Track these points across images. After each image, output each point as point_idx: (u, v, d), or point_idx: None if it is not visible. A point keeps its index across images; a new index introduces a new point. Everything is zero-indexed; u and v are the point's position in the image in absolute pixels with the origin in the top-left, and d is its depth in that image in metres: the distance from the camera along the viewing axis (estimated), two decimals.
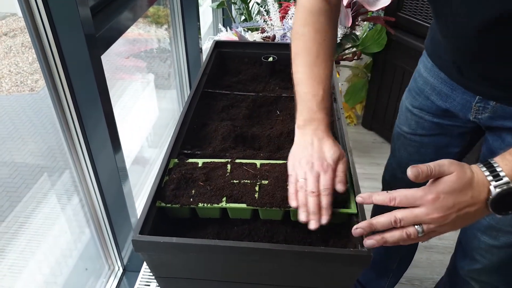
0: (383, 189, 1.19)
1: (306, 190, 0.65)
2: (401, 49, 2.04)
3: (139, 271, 1.16)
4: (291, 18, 1.75)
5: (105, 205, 1.11)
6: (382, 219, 0.57)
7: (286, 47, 1.22)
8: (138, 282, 1.12)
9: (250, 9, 2.12)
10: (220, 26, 1.93)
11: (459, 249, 1.09)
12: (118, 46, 1.67)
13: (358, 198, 0.62)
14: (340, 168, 0.68)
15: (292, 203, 0.66)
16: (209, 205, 0.67)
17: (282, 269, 0.64)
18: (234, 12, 2.32)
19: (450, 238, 1.79)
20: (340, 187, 0.66)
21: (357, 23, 1.90)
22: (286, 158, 0.78)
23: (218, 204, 0.68)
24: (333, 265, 0.61)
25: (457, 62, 0.84)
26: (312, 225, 0.63)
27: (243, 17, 2.18)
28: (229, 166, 0.75)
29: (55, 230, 1.23)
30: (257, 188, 0.69)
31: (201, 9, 1.96)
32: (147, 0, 1.22)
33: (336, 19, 0.83)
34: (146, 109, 1.88)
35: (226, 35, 1.78)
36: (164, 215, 0.70)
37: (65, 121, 0.95)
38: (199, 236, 0.67)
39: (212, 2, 2.17)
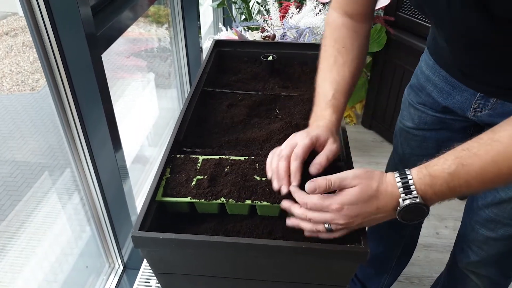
0: None
1: (278, 156, 0.66)
2: (400, 48, 2.04)
3: (139, 269, 1.17)
4: (291, 18, 1.75)
5: (105, 203, 1.12)
6: (297, 211, 0.62)
7: (286, 46, 1.23)
8: (138, 279, 1.13)
9: (250, 8, 2.12)
10: (221, 25, 1.94)
11: (458, 242, 1.10)
12: (119, 46, 1.68)
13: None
14: (324, 152, 0.66)
15: (268, 173, 0.67)
16: (207, 200, 0.68)
17: (280, 265, 0.64)
18: (234, 12, 2.33)
19: (449, 237, 1.79)
20: (312, 169, 0.65)
21: None
22: None
23: (216, 199, 0.68)
24: (330, 261, 0.61)
25: (457, 66, 0.86)
26: (283, 190, 0.64)
27: (243, 17, 2.19)
28: (228, 163, 0.75)
29: (56, 228, 1.24)
30: (255, 185, 0.70)
31: (201, 9, 1.97)
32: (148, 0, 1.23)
33: (363, 31, 0.85)
34: (147, 108, 1.89)
35: (226, 34, 1.79)
36: (164, 210, 0.71)
37: (66, 120, 0.96)
38: (198, 232, 0.68)
39: (213, 2, 2.17)
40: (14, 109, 1.35)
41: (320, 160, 0.65)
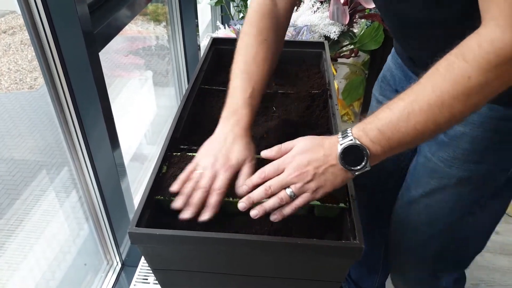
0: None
1: (198, 183, 0.65)
2: None
3: (137, 266, 1.17)
4: None
5: (103, 201, 1.12)
6: (256, 192, 0.63)
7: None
8: (136, 276, 1.13)
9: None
10: (219, 23, 1.94)
11: None
12: (117, 44, 1.68)
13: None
14: (244, 171, 0.67)
15: (174, 187, 0.67)
16: None
17: (276, 261, 0.65)
18: (232, 10, 2.32)
19: None
20: (239, 190, 0.66)
21: (354, 20, 1.91)
22: None
23: None
24: (325, 257, 0.62)
25: (407, 52, 0.89)
26: (186, 214, 0.65)
27: (241, 15, 2.19)
28: None
29: (54, 226, 1.24)
30: None
31: (199, 7, 1.97)
32: None
33: (283, 25, 0.85)
34: (145, 106, 1.89)
35: (224, 32, 1.79)
36: (161, 207, 0.71)
37: (64, 118, 0.96)
38: (194, 228, 0.68)
39: (211, 0, 2.17)
40: (12, 108, 1.35)
41: (242, 183, 0.66)
